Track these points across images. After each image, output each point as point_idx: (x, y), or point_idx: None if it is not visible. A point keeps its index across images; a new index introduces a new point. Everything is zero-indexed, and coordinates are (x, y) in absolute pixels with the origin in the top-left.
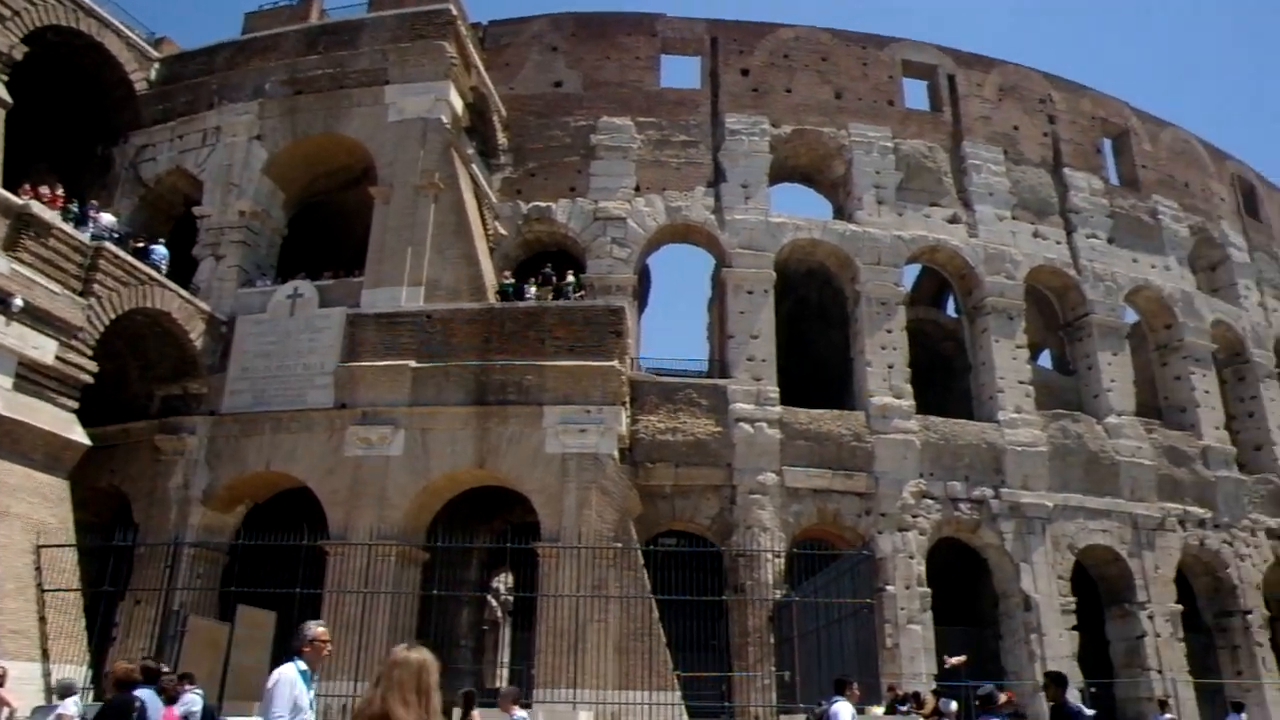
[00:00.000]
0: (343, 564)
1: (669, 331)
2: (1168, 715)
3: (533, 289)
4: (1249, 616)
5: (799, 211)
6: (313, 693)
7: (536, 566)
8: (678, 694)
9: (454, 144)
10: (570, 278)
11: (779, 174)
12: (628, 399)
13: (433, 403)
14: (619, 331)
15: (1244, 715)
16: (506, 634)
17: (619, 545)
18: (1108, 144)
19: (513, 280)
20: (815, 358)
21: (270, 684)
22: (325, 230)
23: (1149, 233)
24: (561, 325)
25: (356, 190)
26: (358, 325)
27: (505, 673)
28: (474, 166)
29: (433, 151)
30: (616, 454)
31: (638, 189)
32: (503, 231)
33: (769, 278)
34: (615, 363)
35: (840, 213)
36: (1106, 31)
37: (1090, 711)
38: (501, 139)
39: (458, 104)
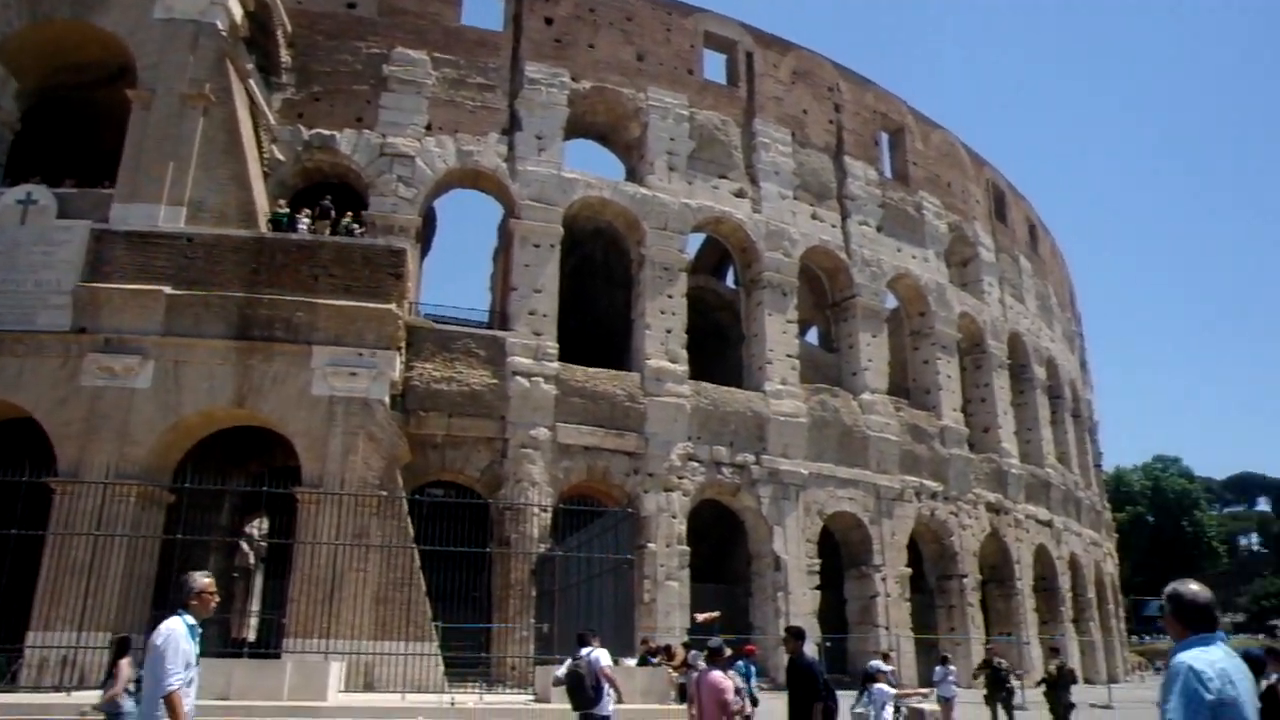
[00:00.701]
0: (72, 504)
1: (451, 279)
2: (889, 666)
3: (306, 221)
4: (965, 580)
5: (591, 169)
6: (198, 647)
7: (295, 512)
8: (435, 644)
9: (230, 54)
10: (349, 217)
11: (575, 129)
12: (404, 344)
13: (189, 334)
14: (399, 274)
15: (951, 666)
16: (259, 582)
17: (384, 493)
18: (885, 138)
19: (287, 210)
20: (596, 317)
21: (158, 641)
22: (70, 131)
23: (914, 226)
24: (338, 262)
25: (111, 90)
26: (105, 242)
27: (255, 622)
28: (251, 83)
29: (205, 59)
30: (388, 400)
31: (429, 128)
32: (280, 157)
33: (557, 232)
34: (393, 306)
35: (632, 175)
36: (896, 31)
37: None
38: (285, 56)
39: (237, 10)
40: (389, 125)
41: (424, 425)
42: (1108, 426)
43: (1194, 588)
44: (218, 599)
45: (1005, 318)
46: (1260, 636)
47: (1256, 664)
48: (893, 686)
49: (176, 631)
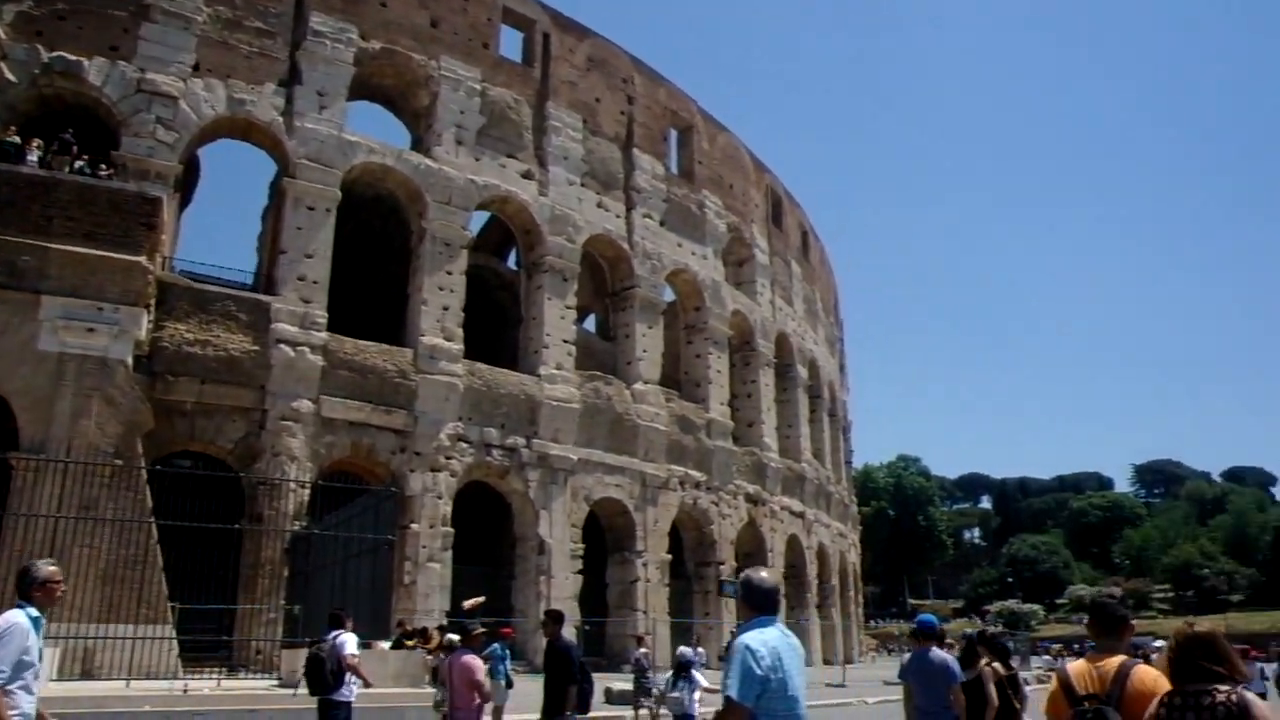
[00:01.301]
0: None
1: (215, 235)
2: (642, 649)
3: (38, 154)
4: (722, 566)
5: (376, 134)
6: (41, 641)
7: (8, 480)
8: (170, 627)
9: None
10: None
11: (360, 90)
12: (153, 302)
13: None
14: (152, 224)
15: (700, 649)
16: None
17: (119, 463)
18: (674, 135)
19: (17, 139)
20: (371, 288)
21: None
22: None
23: (695, 223)
24: (79, 205)
25: None
26: None
27: None
28: None
29: None
30: (130, 361)
31: (197, 68)
32: (10, 77)
33: (334, 196)
34: (142, 259)
35: (418, 145)
36: (694, 30)
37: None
38: None
39: None
40: (149, 60)
41: (172, 391)
42: (860, 427)
43: (763, 574)
44: (64, 589)
45: (775, 318)
46: (973, 618)
47: (970, 649)
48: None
49: (18, 625)
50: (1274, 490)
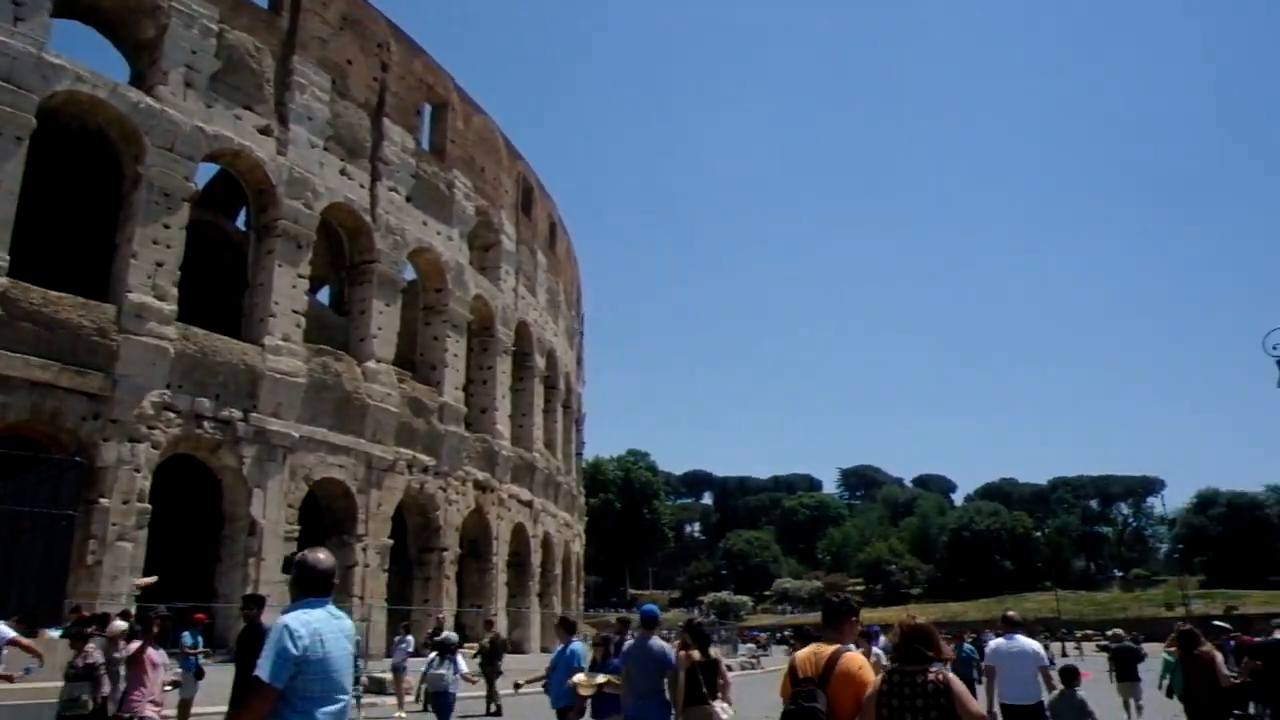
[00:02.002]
0: None
1: None
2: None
3: None
4: (445, 553)
5: (84, 58)
6: None
7: None
8: None
9: None
10: None
11: (69, 7)
12: None
13: None
14: None
15: (409, 637)
16: None
17: None
18: (428, 110)
19: None
20: (71, 234)
21: None
22: None
23: (443, 202)
24: None
25: None
26: None
27: None
28: None
29: None
30: None
31: None
32: None
33: (27, 124)
34: None
35: (139, 81)
36: (455, 2)
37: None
38: None
39: None
40: None
41: None
42: (593, 420)
43: (319, 556)
44: None
45: (517, 306)
46: (695, 611)
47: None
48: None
49: None
50: (954, 496)
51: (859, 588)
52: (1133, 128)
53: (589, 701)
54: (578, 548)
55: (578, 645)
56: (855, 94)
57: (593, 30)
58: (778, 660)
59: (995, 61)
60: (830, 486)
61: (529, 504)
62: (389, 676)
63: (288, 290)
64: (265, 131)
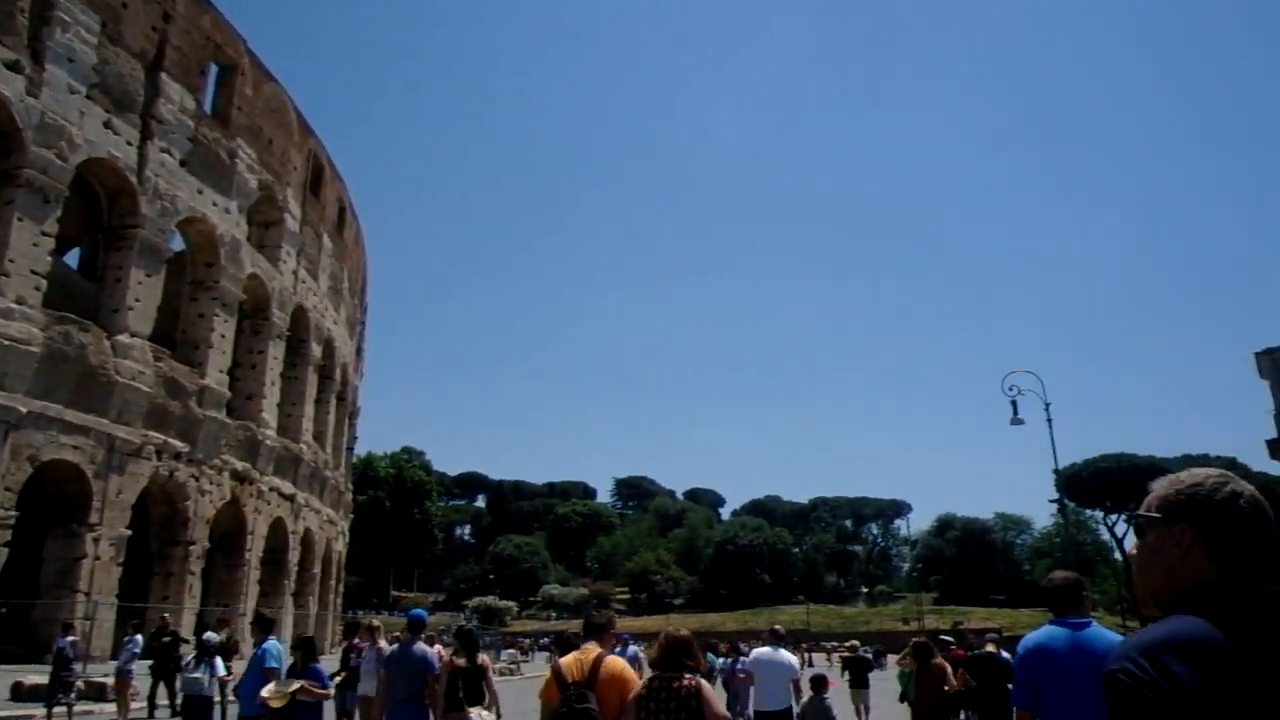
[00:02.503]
0: None
1: None
2: (70, 638)
3: None
4: (192, 547)
5: None
6: None
7: None
8: None
9: None
10: None
11: None
12: None
13: None
14: None
15: (139, 637)
16: None
17: None
18: (214, 71)
19: None
20: None
21: None
22: None
23: (223, 171)
24: None
25: None
26: None
27: None
28: None
29: None
30: None
31: None
32: None
33: None
34: None
35: None
36: None
37: None
38: None
39: None
40: None
41: None
42: (369, 414)
43: None
44: None
45: (296, 290)
46: (459, 615)
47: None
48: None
49: None
50: (722, 510)
51: (624, 596)
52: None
53: (279, 712)
54: (341, 546)
55: (272, 644)
56: (648, 90)
57: (411, 17)
58: (539, 666)
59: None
60: (605, 495)
61: (291, 498)
62: (110, 681)
63: (28, 248)
64: (14, 67)
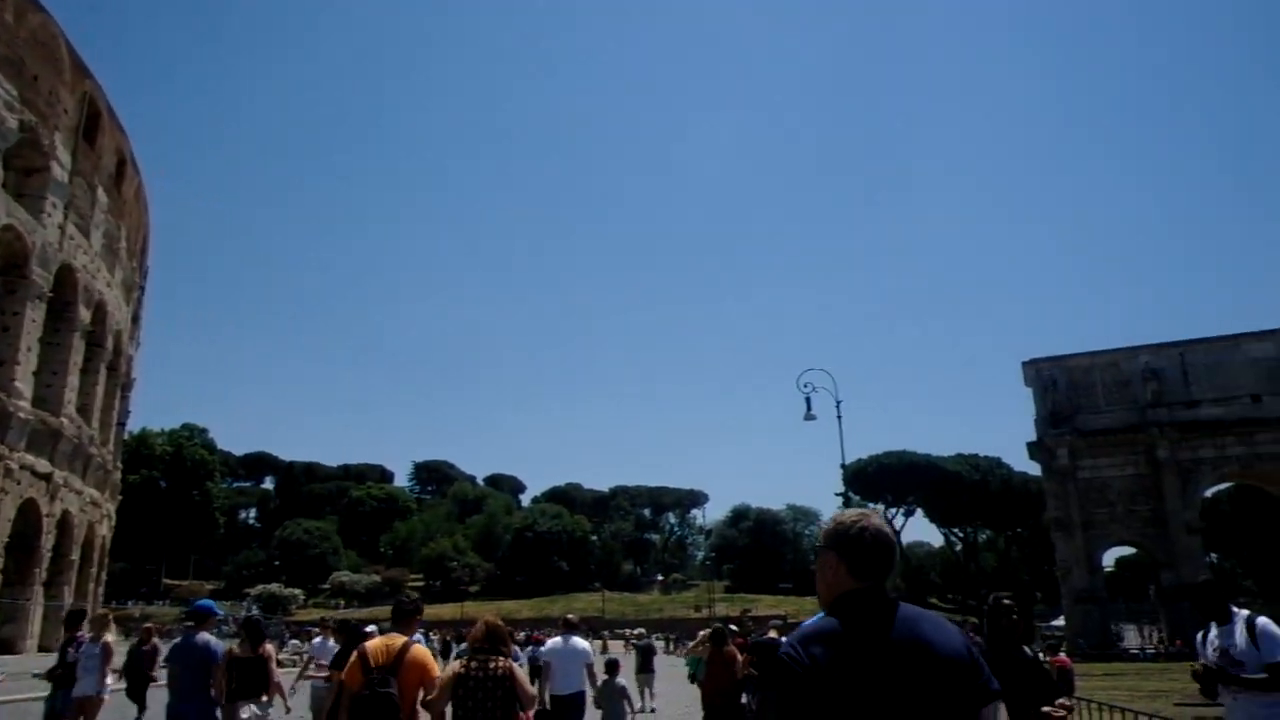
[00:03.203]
0: None
1: None
2: None
3: None
4: None
5: None
6: None
7: None
8: None
9: None
10: None
11: None
12: None
13: None
14: None
15: None
16: None
17: None
18: None
19: None
20: None
21: None
22: None
23: None
24: None
25: None
26: None
27: None
28: None
29: None
30: None
31: None
32: None
33: None
34: None
35: None
36: None
37: None
38: None
39: None
40: None
41: None
42: (145, 386)
43: None
44: None
45: (62, 247)
46: (241, 604)
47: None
48: None
49: None
50: (523, 497)
51: (419, 583)
52: None
53: None
54: (105, 530)
55: None
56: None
57: None
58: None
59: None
60: (403, 479)
61: (47, 477)
62: None
63: None
64: None
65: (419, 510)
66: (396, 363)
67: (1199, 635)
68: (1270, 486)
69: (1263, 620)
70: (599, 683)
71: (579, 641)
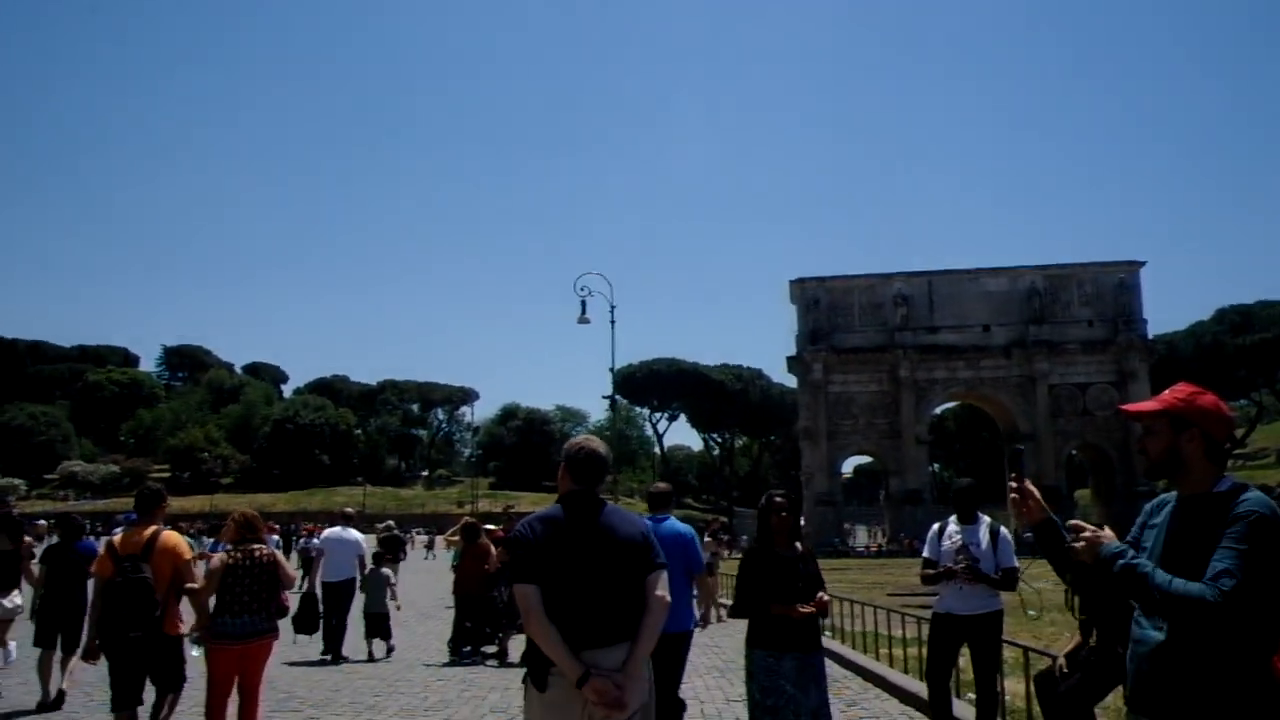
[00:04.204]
0: None
1: None
2: None
3: None
4: None
5: None
6: None
7: None
8: None
9: None
10: None
11: None
12: None
13: None
14: None
15: None
16: None
17: None
18: None
19: None
20: None
21: None
22: None
23: None
24: None
25: None
26: None
27: None
28: None
29: None
30: None
31: None
32: None
33: None
34: None
35: None
36: None
37: None
38: None
39: None
40: None
41: None
42: None
43: None
44: None
45: None
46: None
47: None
48: None
49: None
50: (285, 388)
51: (164, 474)
52: None
53: None
54: None
55: None
56: None
57: None
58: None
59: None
60: (150, 364)
61: None
62: None
63: None
64: None
65: (168, 398)
66: (144, 235)
67: (934, 528)
68: (988, 406)
69: (1004, 529)
70: (366, 571)
71: (354, 533)
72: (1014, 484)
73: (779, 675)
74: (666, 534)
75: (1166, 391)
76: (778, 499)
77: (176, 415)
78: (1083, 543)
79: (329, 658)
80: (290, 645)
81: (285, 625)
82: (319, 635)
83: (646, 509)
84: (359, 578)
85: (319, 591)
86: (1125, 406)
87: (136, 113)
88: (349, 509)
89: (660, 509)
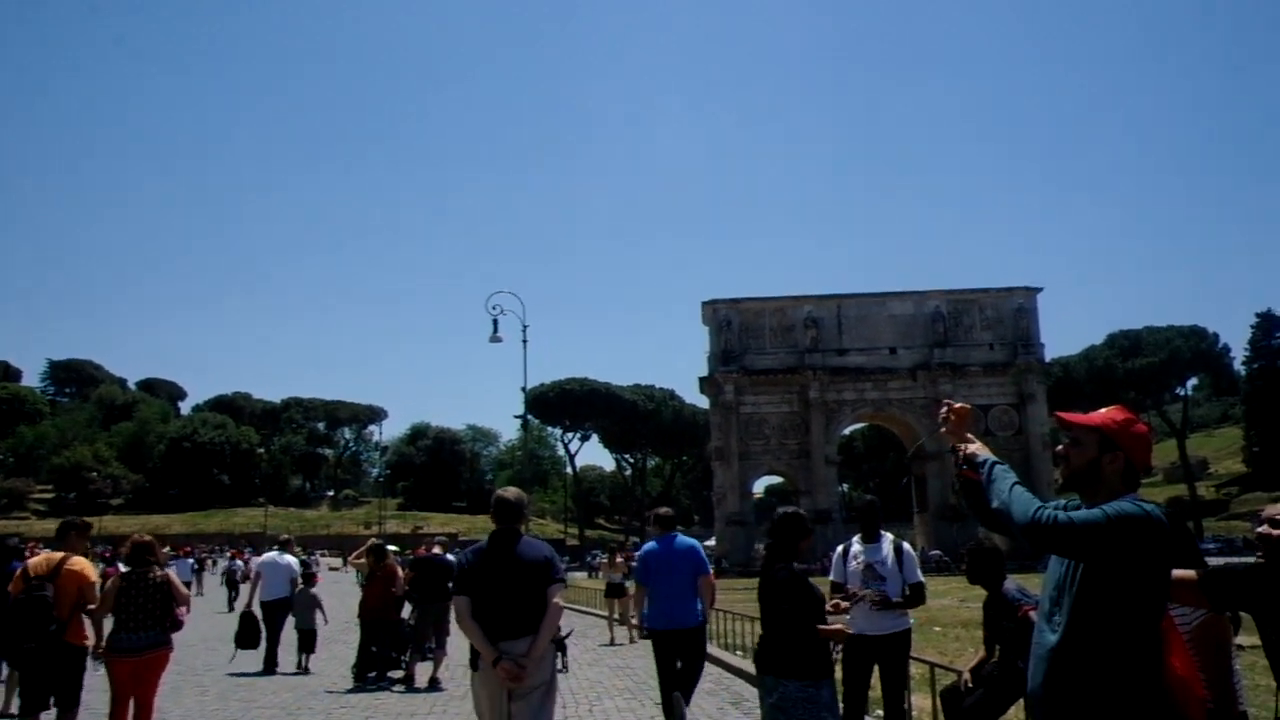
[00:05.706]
0: None
1: None
2: None
3: None
4: None
5: None
6: None
7: None
8: None
9: None
10: None
11: None
12: None
13: None
14: None
15: None
16: None
17: None
18: None
19: None
20: None
21: None
22: None
23: None
24: None
25: None
26: None
27: None
28: None
29: None
30: None
31: None
32: None
33: None
34: None
35: None
36: None
37: None
38: None
39: None
40: None
41: None
42: None
43: None
44: None
45: None
46: None
47: None
48: None
49: None
50: (183, 405)
51: (48, 495)
52: None
53: None
54: None
55: None
56: None
57: None
58: None
59: None
60: (34, 379)
61: None
62: None
63: None
64: None
65: (54, 414)
66: (29, 243)
67: (838, 549)
68: (895, 427)
69: (906, 545)
70: (298, 590)
71: (288, 558)
72: (945, 403)
73: (820, 706)
74: (679, 547)
75: (1104, 410)
76: (808, 521)
77: (62, 433)
78: (954, 416)
79: (269, 671)
80: (227, 662)
81: (224, 641)
82: (258, 652)
83: (656, 530)
84: (291, 597)
85: (258, 610)
86: (1063, 415)
87: (17, 113)
88: (285, 535)
89: (667, 529)
